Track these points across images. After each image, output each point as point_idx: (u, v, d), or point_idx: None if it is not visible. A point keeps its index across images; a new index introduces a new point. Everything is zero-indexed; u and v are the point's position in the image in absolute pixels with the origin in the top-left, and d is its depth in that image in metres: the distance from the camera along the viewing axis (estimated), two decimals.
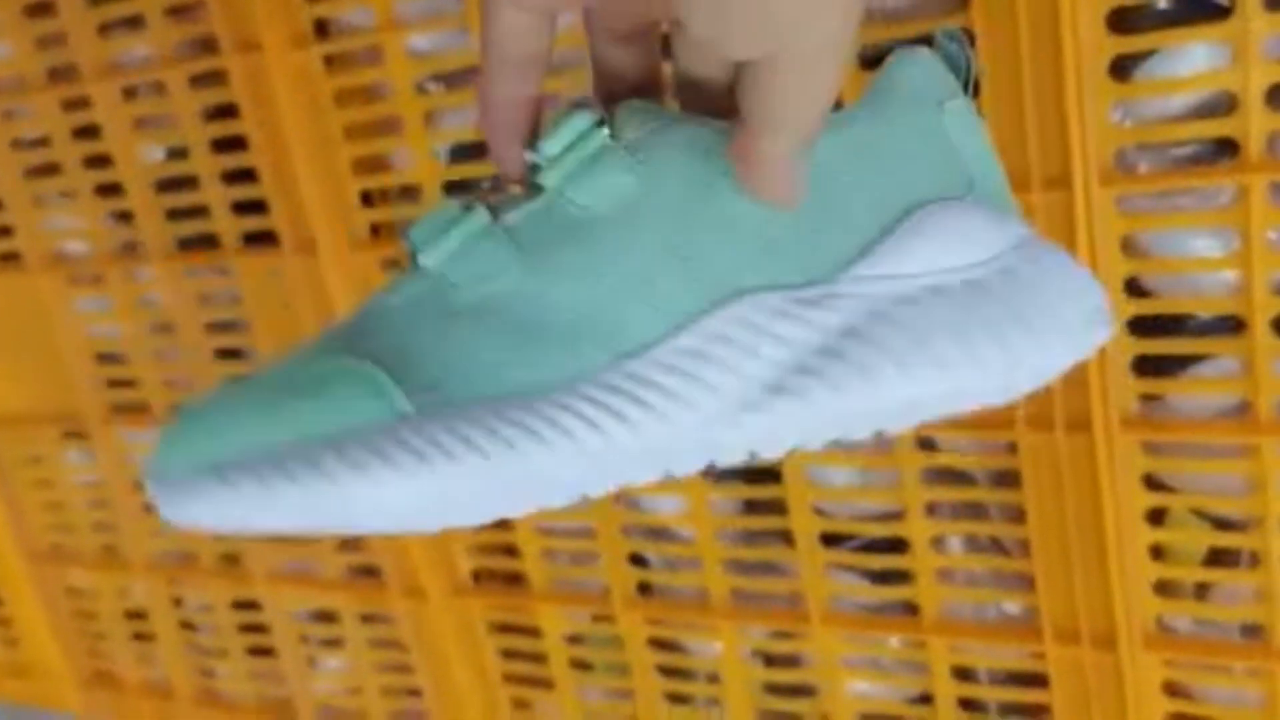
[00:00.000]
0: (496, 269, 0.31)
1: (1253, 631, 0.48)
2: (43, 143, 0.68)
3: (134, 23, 0.62)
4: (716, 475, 0.56)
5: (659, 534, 0.60)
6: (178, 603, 0.78)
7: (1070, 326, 0.32)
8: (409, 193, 0.59)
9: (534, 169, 0.32)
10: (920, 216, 0.32)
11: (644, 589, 0.61)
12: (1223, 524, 0.48)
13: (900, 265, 0.31)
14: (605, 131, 0.31)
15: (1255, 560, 0.47)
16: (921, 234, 0.31)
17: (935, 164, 0.32)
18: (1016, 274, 0.32)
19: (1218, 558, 0.48)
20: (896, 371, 0.31)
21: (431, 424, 0.29)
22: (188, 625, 0.79)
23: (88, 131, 0.66)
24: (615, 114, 0.32)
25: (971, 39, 0.33)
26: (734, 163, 0.30)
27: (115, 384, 0.73)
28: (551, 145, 0.32)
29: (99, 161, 0.66)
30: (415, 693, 0.71)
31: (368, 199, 0.60)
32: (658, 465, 0.30)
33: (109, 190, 0.67)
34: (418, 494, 0.29)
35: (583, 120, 0.32)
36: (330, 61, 0.57)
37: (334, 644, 0.73)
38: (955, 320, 0.31)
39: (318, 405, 0.30)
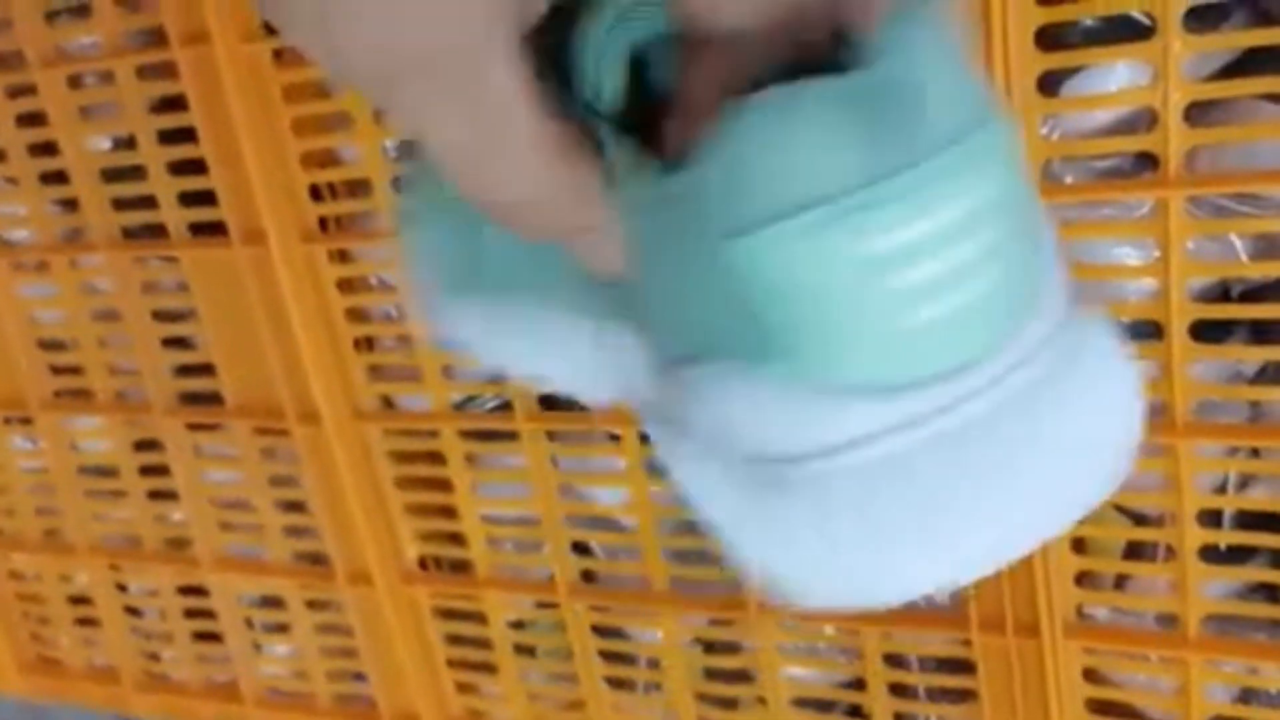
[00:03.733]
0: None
1: (1167, 621, 0.50)
2: None
3: (81, 11, 0.62)
4: (660, 469, 0.57)
5: (602, 524, 0.61)
6: (122, 588, 0.78)
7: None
8: (358, 187, 0.60)
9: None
10: (700, 373, 0.23)
11: (587, 577, 0.62)
12: (1140, 519, 0.50)
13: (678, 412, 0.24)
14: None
15: (1170, 554, 0.49)
16: (698, 396, 0.23)
17: (717, 309, 0.22)
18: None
19: (1135, 551, 0.50)
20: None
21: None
22: (132, 610, 0.79)
23: (33, 118, 0.65)
24: None
25: None
26: None
27: (59, 370, 0.73)
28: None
29: (44, 149, 0.66)
30: (361, 677, 0.72)
31: (316, 192, 0.60)
32: None
33: (54, 178, 0.66)
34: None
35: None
36: (279, 56, 0.58)
37: (280, 629, 0.74)
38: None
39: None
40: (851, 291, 0.21)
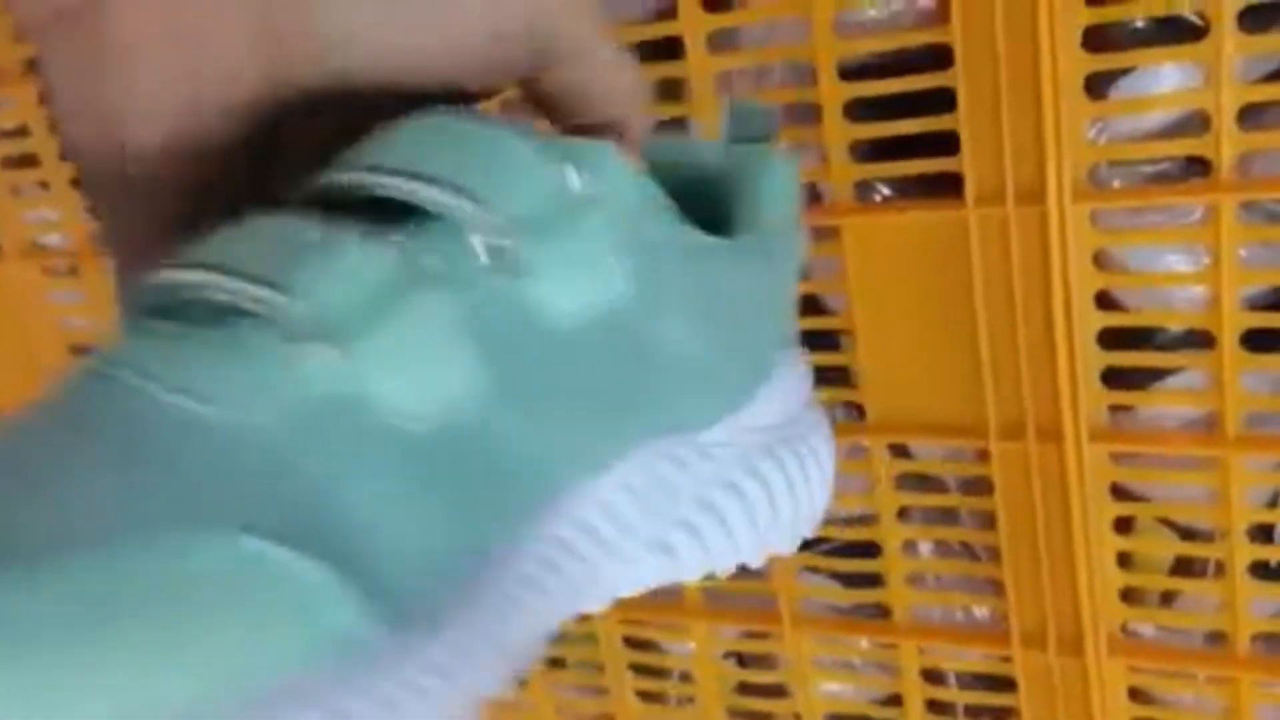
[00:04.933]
0: (465, 392, 0.21)
1: (1216, 639, 0.49)
2: (20, 133, 0.67)
3: None
4: None
5: None
6: None
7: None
8: None
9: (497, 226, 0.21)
10: (784, 359, 0.29)
11: None
12: (1188, 534, 0.49)
13: (764, 414, 0.28)
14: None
15: (1220, 570, 0.47)
16: (783, 378, 0.28)
17: (788, 295, 0.30)
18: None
19: (1183, 567, 0.49)
20: (746, 530, 0.28)
21: (423, 642, 0.21)
22: None
23: None
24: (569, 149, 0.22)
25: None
26: None
27: None
28: (523, 191, 0.21)
29: None
30: None
31: None
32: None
33: None
34: None
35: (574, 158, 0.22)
36: None
37: None
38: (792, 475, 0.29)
39: (257, 633, 0.18)
40: None
